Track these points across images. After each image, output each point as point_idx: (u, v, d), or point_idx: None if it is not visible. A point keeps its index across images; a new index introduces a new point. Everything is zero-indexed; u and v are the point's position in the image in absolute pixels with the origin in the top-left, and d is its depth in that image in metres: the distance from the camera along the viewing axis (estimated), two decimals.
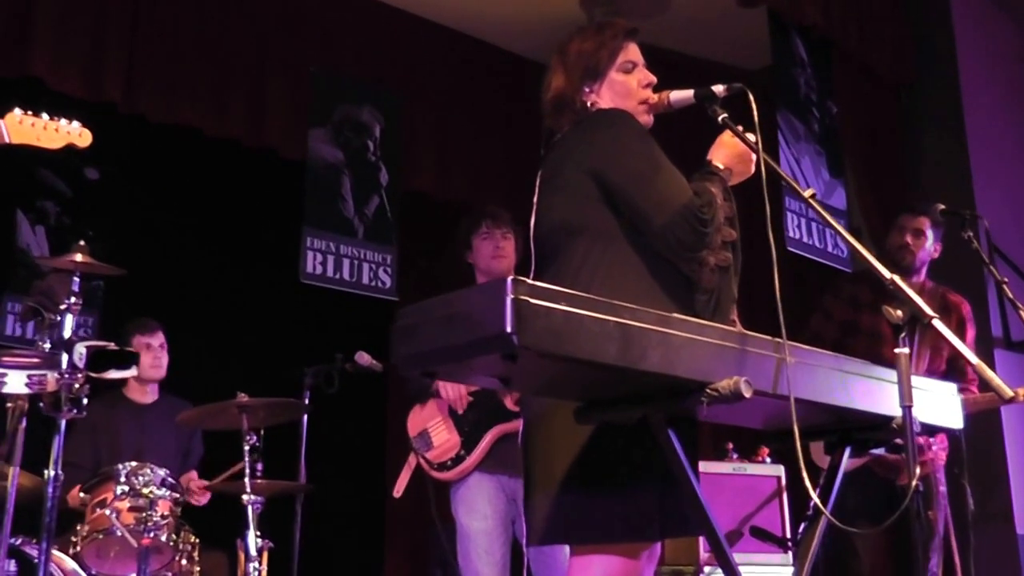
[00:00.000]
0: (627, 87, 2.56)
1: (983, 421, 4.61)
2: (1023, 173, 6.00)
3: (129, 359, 3.07)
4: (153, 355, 4.91)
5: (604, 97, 2.56)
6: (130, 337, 4.84)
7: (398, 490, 3.95)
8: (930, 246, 4.37)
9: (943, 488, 3.82)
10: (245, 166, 5.90)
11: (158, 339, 4.95)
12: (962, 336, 4.32)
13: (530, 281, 1.68)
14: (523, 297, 1.65)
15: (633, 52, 2.60)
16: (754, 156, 2.46)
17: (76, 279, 3.00)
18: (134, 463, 4.19)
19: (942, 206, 3.93)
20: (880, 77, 5.74)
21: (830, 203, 5.56)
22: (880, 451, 2.53)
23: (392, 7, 6.14)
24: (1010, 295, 3.45)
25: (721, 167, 2.47)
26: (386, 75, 6.08)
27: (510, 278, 1.66)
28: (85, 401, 2.85)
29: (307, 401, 4.66)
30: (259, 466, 4.16)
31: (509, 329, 1.63)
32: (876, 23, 5.68)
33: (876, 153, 5.78)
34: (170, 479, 4.24)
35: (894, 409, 2.15)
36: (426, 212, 6.44)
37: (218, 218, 6.21)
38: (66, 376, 2.81)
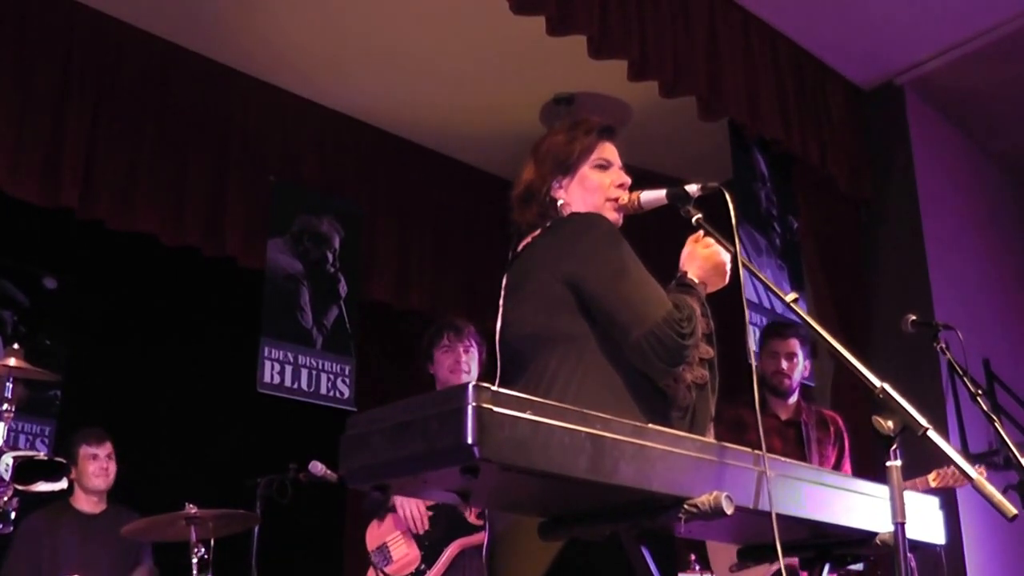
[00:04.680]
0: (597, 184, 2.48)
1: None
2: (981, 286, 6.06)
3: (59, 470, 2.90)
4: (99, 465, 4.79)
5: (573, 193, 2.47)
6: (76, 447, 4.77)
7: None
8: (802, 367, 4.57)
9: None
10: (203, 274, 5.84)
11: (105, 449, 4.83)
12: (843, 446, 4.52)
13: (493, 388, 1.56)
14: (486, 405, 1.53)
15: (609, 151, 2.53)
16: (728, 266, 2.38)
17: (9, 384, 2.83)
18: None
19: (913, 316, 3.88)
20: (840, 192, 5.77)
21: (792, 318, 5.52)
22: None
23: (353, 119, 6.15)
24: (984, 407, 3.40)
25: (696, 281, 2.37)
26: (346, 186, 6.06)
27: (471, 384, 1.54)
28: (13, 515, 2.67)
29: (260, 512, 4.53)
30: None
31: (470, 440, 1.50)
32: (836, 138, 5.74)
33: (836, 267, 5.80)
34: None
35: (876, 524, 2.10)
36: (386, 323, 6.40)
37: (176, 327, 6.15)
38: None
